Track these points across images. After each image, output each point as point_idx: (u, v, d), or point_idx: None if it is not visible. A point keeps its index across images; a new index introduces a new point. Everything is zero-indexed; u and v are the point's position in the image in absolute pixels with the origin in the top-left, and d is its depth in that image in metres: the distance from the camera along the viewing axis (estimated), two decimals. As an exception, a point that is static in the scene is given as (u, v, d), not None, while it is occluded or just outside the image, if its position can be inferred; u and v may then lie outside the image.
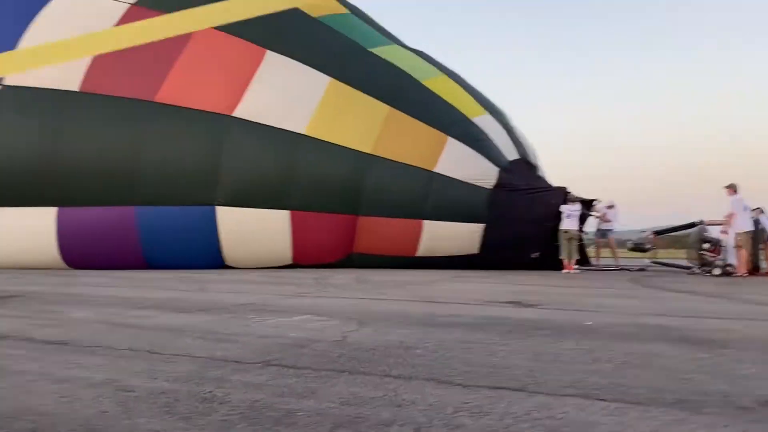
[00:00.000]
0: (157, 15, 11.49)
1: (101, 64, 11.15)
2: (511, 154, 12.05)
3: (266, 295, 6.00)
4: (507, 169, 11.55)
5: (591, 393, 2.18)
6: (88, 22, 11.38)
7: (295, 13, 12.28)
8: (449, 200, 11.08)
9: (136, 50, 11.23)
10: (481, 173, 11.22)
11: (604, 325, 4.03)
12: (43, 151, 10.92)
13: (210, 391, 2.17)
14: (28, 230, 10.86)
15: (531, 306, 5.18)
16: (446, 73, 13.21)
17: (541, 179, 12.64)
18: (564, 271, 11.49)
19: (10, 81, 11.16)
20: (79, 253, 10.89)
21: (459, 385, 2.30)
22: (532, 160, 12.82)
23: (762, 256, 11.83)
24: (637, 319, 4.32)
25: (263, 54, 11.45)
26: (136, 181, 10.79)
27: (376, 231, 11.22)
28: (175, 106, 10.93)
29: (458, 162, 11.19)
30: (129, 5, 11.65)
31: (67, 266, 11.02)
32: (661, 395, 2.15)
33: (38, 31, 11.33)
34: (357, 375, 2.46)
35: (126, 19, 11.49)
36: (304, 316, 4.35)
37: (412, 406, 2.00)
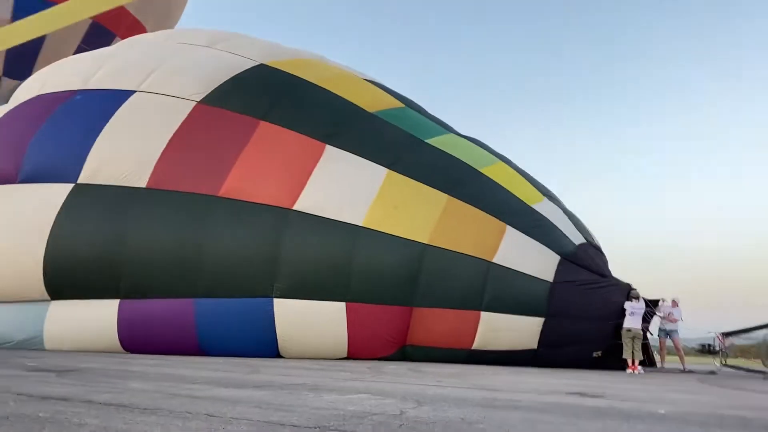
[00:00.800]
0: (221, 112, 12.18)
1: (168, 160, 11.74)
2: (576, 238, 11.79)
3: (320, 378, 5.91)
4: (571, 255, 11.25)
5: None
6: (154, 122, 12.15)
7: (354, 108, 12.79)
8: (508, 292, 10.83)
9: (201, 145, 11.83)
10: (542, 263, 10.99)
11: (679, 413, 3.77)
12: (109, 246, 11.35)
13: (269, 447, 2.11)
14: (94, 322, 11.18)
15: (596, 396, 4.91)
16: (503, 160, 13.30)
17: (607, 266, 12.24)
18: (628, 371, 10.92)
19: (82, 179, 11.82)
20: (138, 340, 11.11)
21: (528, 453, 2.17)
22: (595, 243, 12.51)
23: None
24: (713, 411, 4.03)
25: (323, 149, 11.86)
26: (196, 273, 11.06)
27: (432, 322, 10.99)
28: (237, 200, 11.32)
29: (518, 252, 11.02)
30: (195, 103, 12.38)
31: (125, 351, 11.21)
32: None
33: (106, 140, 12.09)
34: (418, 441, 2.35)
35: (191, 117, 12.19)
36: (361, 395, 4.24)
37: (479, 468, 1.89)
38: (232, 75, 12.81)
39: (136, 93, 12.70)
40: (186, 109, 12.28)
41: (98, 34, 26.32)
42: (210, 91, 12.46)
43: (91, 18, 25.59)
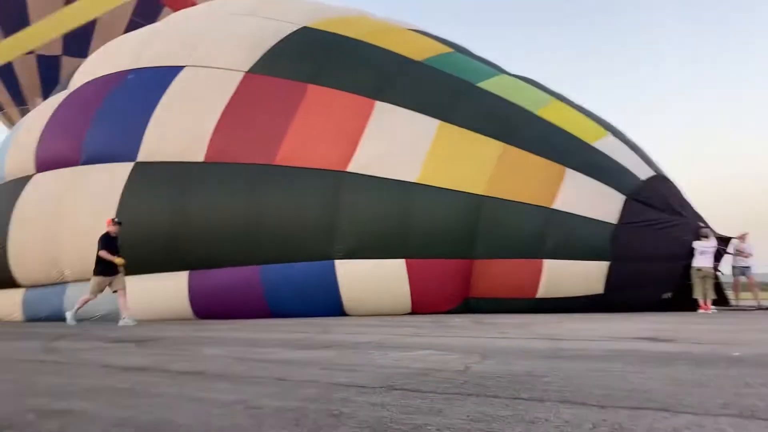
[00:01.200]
0: (269, 80, 12.23)
1: (223, 133, 11.93)
2: (643, 172, 11.39)
3: (386, 336, 6.00)
4: (636, 192, 10.89)
5: (747, 413, 1.96)
6: (206, 96, 12.33)
7: (401, 60, 12.58)
8: (570, 238, 10.63)
9: (253, 116, 11.96)
10: (605, 205, 10.69)
11: (756, 355, 3.66)
12: (173, 221, 11.74)
13: (337, 409, 2.17)
14: (164, 293, 11.64)
15: (667, 341, 4.81)
16: (559, 98, 12.88)
17: (679, 197, 11.80)
18: (700, 311, 10.64)
19: (141, 158, 12.19)
20: (210, 309, 11.52)
21: (595, 405, 2.15)
22: (665, 174, 12.05)
23: None
24: (793, 351, 3.90)
25: (372, 105, 11.77)
26: (259, 241, 11.32)
27: (493, 273, 10.95)
28: (293, 167, 11.44)
29: (579, 195, 10.74)
30: (243, 73, 12.47)
31: (198, 318, 11.68)
32: (834, 416, 1.90)
33: (161, 117, 12.36)
34: (484, 398, 2.37)
35: (241, 88, 12.31)
36: (425, 351, 4.29)
37: (546, 423, 1.89)
38: (276, 41, 12.80)
39: (186, 68, 12.88)
40: (235, 79, 12.39)
41: (148, 4, 26.84)
42: (257, 60, 12.52)
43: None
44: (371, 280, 10.99)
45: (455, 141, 11.32)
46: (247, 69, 12.43)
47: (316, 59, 12.50)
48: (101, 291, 9.93)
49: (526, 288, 10.92)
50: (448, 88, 12.11)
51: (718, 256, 11.33)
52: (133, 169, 12.12)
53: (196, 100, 12.36)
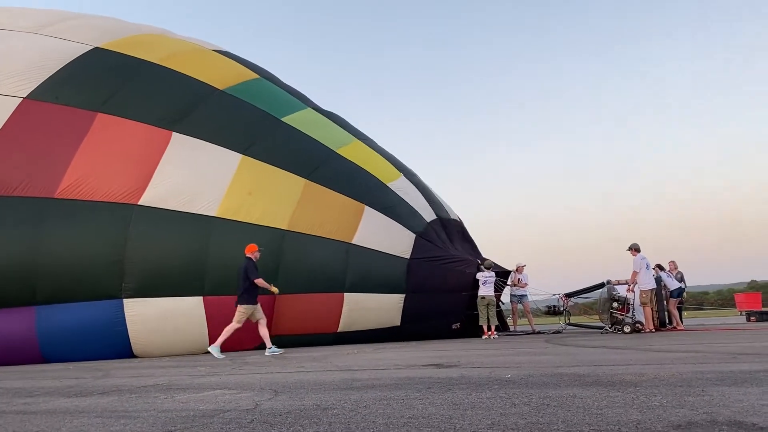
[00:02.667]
0: (52, 106, 11.20)
1: None
2: (428, 215, 12.18)
3: (176, 377, 5.65)
4: (424, 232, 11.65)
5: (510, 431, 2.13)
6: None
7: (200, 88, 12.16)
8: (368, 272, 11.02)
9: (31, 145, 10.81)
10: (398, 242, 11.28)
11: (522, 376, 4.03)
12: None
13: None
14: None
15: (451, 366, 5.13)
16: (359, 138, 13.39)
17: (459, 234, 12.82)
18: (484, 337, 11.57)
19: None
20: None
21: (375, 435, 2.19)
22: (449, 215, 13.01)
23: (666, 311, 12.42)
24: (553, 370, 4.36)
25: (169, 136, 11.23)
26: (35, 280, 10.19)
27: (296, 308, 10.91)
28: (76, 199, 10.49)
29: (376, 231, 11.21)
30: (21, 99, 11.28)
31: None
32: (579, 428, 2.13)
33: None
34: (268, 436, 2.30)
35: (17, 115, 11.12)
36: (217, 391, 4.10)
37: (324, 457, 1.88)
38: (62, 64, 11.74)
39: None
40: (10, 106, 11.16)
41: None
42: (38, 84, 11.38)
43: None
44: (165, 319, 10.36)
45: (257, 175, 11.21)
46: (25, 95, 11.24)
47: (107, 85, 11.62)
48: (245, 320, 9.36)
49: (329, 322, 11.05)
50: (251, 121, 11.97)
51: (498, 287, 12.49)
52: None
53: None
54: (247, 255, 9.56)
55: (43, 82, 11.42)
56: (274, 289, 9.55)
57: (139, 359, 10.00)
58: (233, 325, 9.36)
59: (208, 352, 9.34)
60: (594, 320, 13.78)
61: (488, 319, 11.73)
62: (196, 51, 13.56)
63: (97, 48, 12.27)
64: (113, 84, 11.66)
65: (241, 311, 9.31)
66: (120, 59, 12.16)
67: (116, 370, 7.10)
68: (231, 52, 14.41)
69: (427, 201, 12.59)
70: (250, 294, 9.38)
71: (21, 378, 6.59)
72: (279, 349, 9.25)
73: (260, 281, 9.37)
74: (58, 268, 10.22)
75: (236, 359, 8.18)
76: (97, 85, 11.60)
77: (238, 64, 13.72)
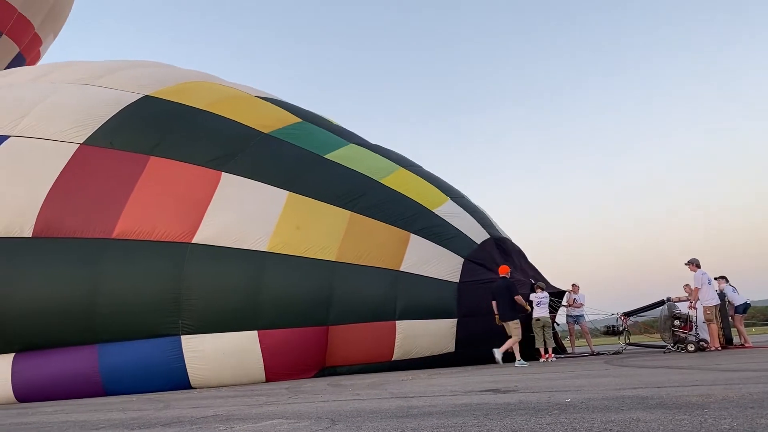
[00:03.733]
0: (107, 151, 11.72)
1: (53, 206, 11.10)
2: (478, 235, 12.05)
3: (234, 407, 5.72)
4: (473, 255, 11.51)
5: (571, 457, 2.07)
6: (33, 168, 11.55)
7: (246, 132, 12.49)
8: (418, 297, 10.95)
9: (88, 188, 11.29)
10: (446, 266, 11.19)
11: (582, 400, 3.92)
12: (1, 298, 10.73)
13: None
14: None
15: (508, 392, 5.03)
16: (404, 166, 13.42)
17: (516, 253, 12.65)
18: (541, 360, 11.32)
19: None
20: (36, 392, 10.51)
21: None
22: (501, 235, 12.84)
23: (732, 327, 11.91)
24: (615, 393, 4.23)
25: (219, 176, 11.57)
26: (94, 318, 10.57)
27: (349, 339, 10.89)
28: (133, 239, 10.87)
29: (423, 258, 11.15)
30: (78, 145, 11.84)
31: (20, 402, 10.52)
32: (644, 453, 2.06)
33: None
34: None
35: (75, 160, 11.66)
36: (275, 420, 4.14)
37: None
38: (115, 112, 12.31)
39: (10, 138, 12.00)
40: (68, 151, 11.75)
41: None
42: (94, 131, 11.94)
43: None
44: (222, 354, 10.54)
45: (304, 210, 11.38)
46: (82, 141, 11.83)
47: (157, 130, 12.12)
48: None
49: (383, 351, 10.99)
50: (295, 160, 12.25)
51: (553, 308, 12.22)
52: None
53: (22, 173, 11.55)
54: (502, 275, 10.69)
55: (97, 129, 12.00)
56: (528, 308, 11.09)
57: (198, 390, 10.17)
58: (514, 339, 10.39)
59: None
60: (655, 339, 13.31)
61: (545, 341, 11.49)
62: (240, 97, 14.07)
63: (147, 96, 12.85)
64: (163, 129, 12.15)
65: (514, 326, 10.41)
66: (169, 106, 12.70)
67: (176, 401, 7.24)
68: (274, 96, 14.86)
69: (478, 222, 12.47)
70: (514, 310, 10.51)
71: (87, 411, 6.79)
72: (526, 362, 10.05)
73: (519, 298, 10.61)
74: (118, 306, 10.57)
75: (292, 388, 8.23)
76: (148, 131, 12.10)
77: (281, 109, 14.12)
